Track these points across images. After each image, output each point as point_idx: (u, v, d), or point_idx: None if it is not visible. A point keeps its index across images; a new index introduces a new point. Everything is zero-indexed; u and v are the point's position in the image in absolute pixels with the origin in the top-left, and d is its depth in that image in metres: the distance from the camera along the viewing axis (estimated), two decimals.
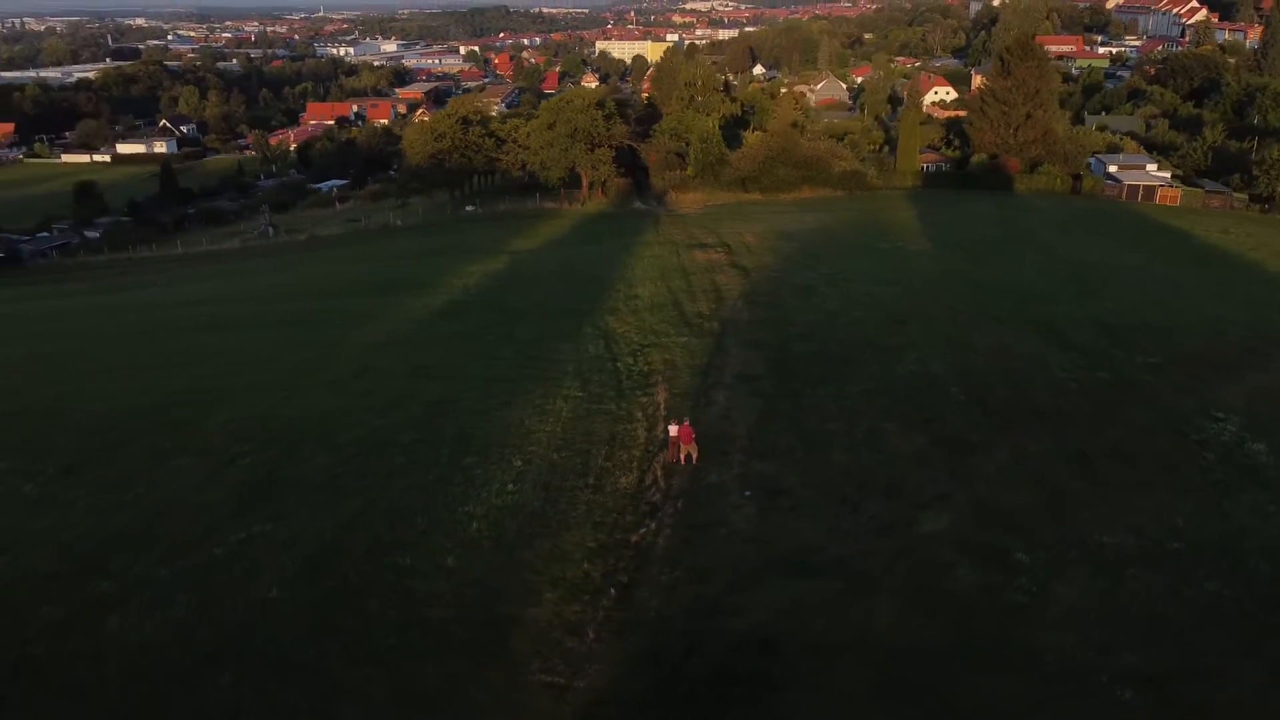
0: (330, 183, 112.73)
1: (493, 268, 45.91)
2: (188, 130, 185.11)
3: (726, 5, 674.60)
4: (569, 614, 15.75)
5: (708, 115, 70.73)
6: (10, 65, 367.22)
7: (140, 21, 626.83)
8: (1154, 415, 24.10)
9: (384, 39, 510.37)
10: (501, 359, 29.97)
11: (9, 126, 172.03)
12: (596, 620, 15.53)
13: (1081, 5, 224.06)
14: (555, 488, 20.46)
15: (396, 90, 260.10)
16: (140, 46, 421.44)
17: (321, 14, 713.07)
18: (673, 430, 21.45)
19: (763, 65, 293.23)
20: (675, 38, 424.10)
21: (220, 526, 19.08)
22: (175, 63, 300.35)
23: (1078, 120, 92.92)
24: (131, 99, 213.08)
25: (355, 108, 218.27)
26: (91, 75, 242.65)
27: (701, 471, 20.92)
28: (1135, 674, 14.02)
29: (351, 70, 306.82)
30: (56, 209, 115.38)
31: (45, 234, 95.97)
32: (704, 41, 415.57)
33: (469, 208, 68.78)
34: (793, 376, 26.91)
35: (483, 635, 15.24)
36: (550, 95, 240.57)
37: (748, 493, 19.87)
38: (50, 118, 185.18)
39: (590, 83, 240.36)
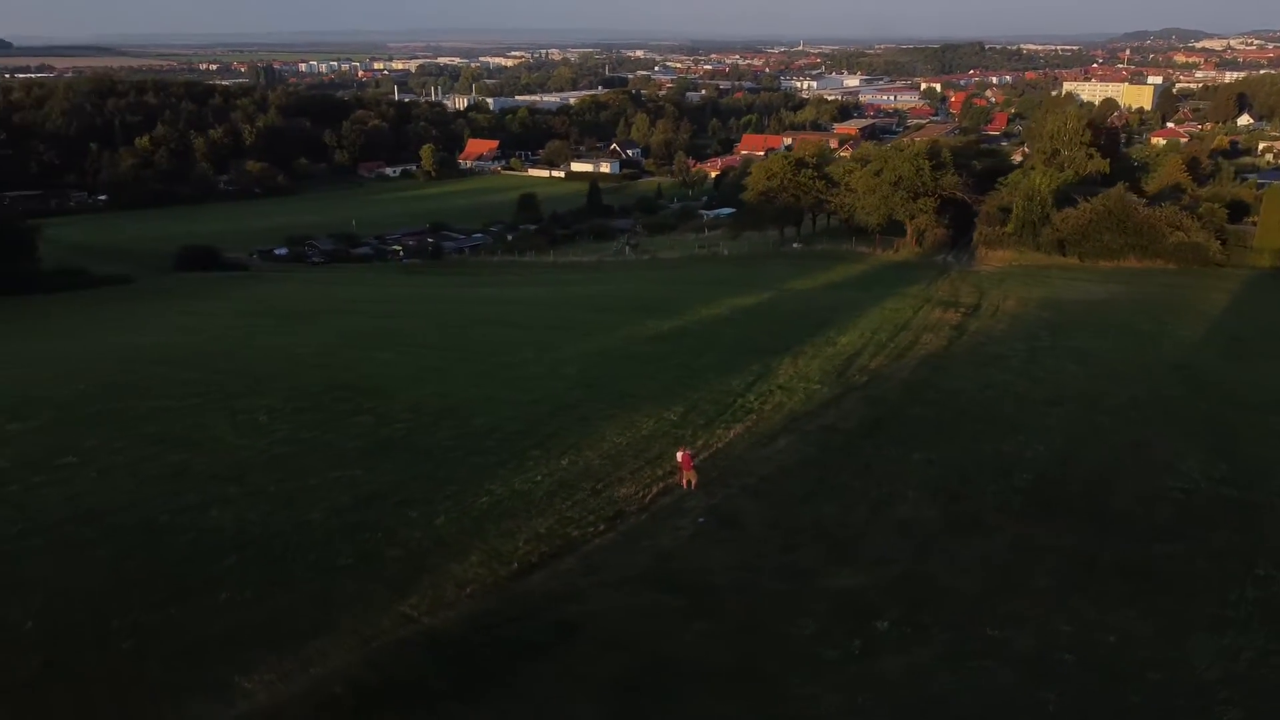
0: (718, 210, 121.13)
1: (746, 302, 49.00)
2: (632, 153, 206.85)
3: (1249, 44, 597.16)
4: (467, 569, 19.26)
5: (1057, 172, 66.94)
6: (526, 90, 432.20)
7: (639, 53, 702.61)
8: None
9: (849, 74, 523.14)
10: (651, 380, 33.44)
11: (494, 143, 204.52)
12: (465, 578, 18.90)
13: None
14: (566, 485, 23.76)
15: (834, 125, 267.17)
16: (628, 76, 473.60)
17: (801, 47, 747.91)
18: (679, 456, 23.74)
19: (1250, 115, 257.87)
20: (1159, 80, 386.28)
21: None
22: (645, 91, 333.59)
23: None
24: (598, 123, 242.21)
25: (788, 141, 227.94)
26: (572, 101, 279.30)
27: (690, 496, 23.00)
28: None
29: (799, 104, 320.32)
30: (502, 214, 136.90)
31: (479, 234, 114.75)
32: (1198, 85, 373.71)
33: (795, 245, 71.85)
34: (875, 435, 27.34)
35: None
36: (995, 137, 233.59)
37: (702, 519, 21.68)
38: (530, 136, 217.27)
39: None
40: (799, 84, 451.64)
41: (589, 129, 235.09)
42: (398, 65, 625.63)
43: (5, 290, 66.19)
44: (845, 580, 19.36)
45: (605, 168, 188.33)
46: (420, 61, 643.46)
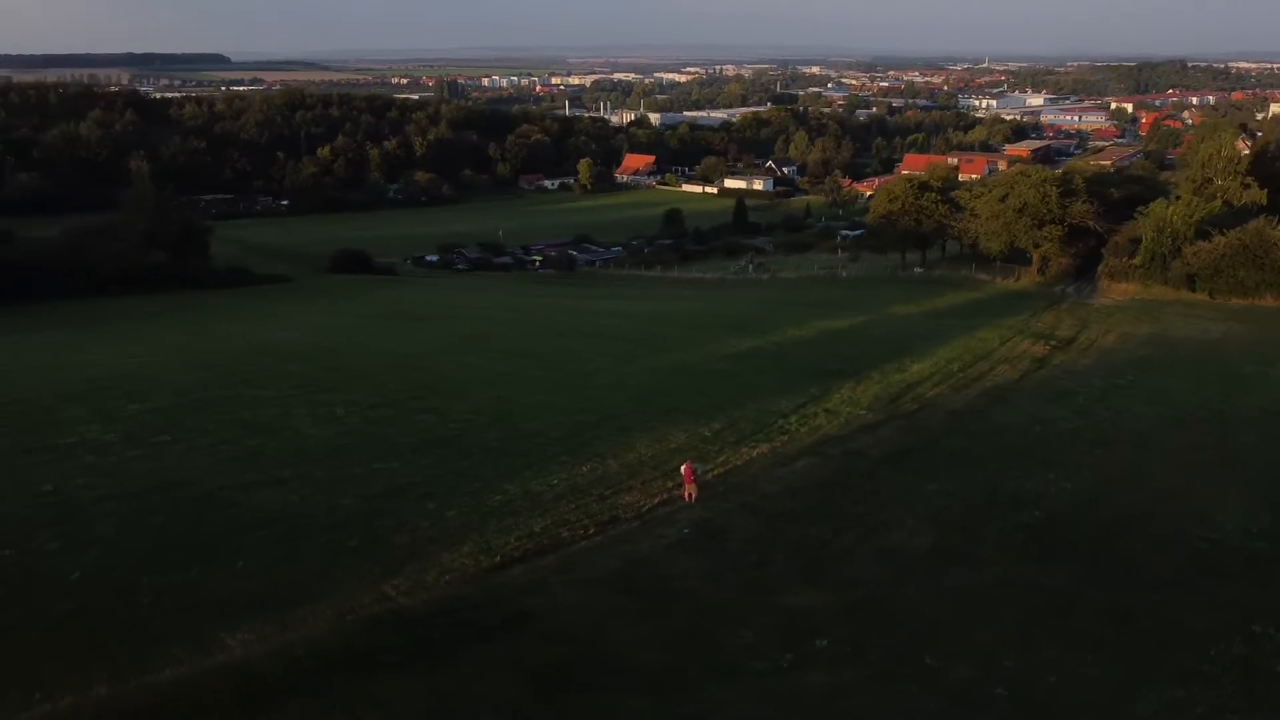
0: (858, 231, 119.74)
1: (836, 325, 49.11)
2: (787, 171, 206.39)
3: None
4: (455, 558, 20.98)
5: (1204, 202, 63.24)
6: (694, 106, 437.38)
7: (815, 69, 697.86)
8: None
9: (1033, 93, 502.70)
10: (703, 396, 34.49)
11: (650, 158, 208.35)
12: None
13: None
14: (577, 490, 25.22)
15: (1005, 146, 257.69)
16: (798, 93, 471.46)
17: (985, 64, 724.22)
18: (682, 469, 24.80)
19: None
20: None
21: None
22: (810, 108, 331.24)
23: None
24: (758, 140, 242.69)
25: (952, 161, 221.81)
26: (735, 117, 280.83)
27: (687, 508, 24.02)
28: None
29: (972, 123, 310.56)
30: (648, 228, 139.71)
31: (618, 247, 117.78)
32: None
33: (917, 270, 70.83)
34: (899, 462, 27.48)
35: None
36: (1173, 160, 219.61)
37: (686, 530, 22.65)
38: (688, 152, 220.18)
39: (1243, 149, 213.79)
40: (977, 102, 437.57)
41: (748, 146, 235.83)
42: (574, 80, 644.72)
43: (180, 285, 73.46)
44: (803, 599, 19.94)
45: (758, 185, 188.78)
46: (596, 77, 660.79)
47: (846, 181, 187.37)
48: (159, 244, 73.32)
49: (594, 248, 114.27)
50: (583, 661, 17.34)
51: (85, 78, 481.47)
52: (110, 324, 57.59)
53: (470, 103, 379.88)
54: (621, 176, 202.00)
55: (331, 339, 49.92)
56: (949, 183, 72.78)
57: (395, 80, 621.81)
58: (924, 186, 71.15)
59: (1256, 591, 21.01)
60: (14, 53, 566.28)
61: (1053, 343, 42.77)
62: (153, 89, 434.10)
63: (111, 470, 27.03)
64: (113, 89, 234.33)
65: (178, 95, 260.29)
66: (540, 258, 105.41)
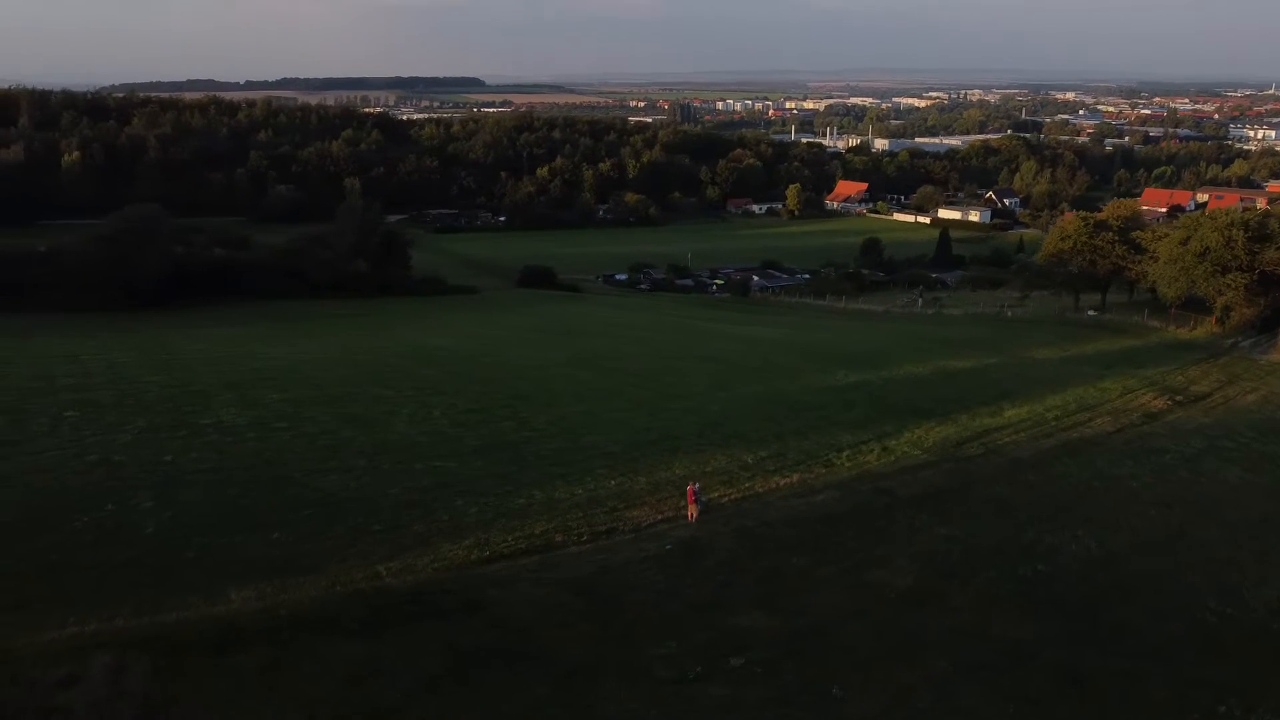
0: None
1: (958, 365, 48.03)
2: (1009, 203, 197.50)
3: None
4: (453, 550, 23.42)
5: None
6: (928, 132, 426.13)
7: (1069, 95, 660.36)
8: None
9: None
10: (772, 425, 35.40)
11: (863, 185, 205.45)
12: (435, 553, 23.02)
13: None
14: (595, 501, 27.11)
15: (1268, 183, 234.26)
16: (1044, 121, 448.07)
17: (1271, 91, 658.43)
18: (688, 490, 26.12)
19: None
20: None
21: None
22: (1049, 137, 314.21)
23: None
24: (983, 169, 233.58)
25: (1202, 197, 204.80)
26: (961, 145, 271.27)
27: (685, 525, 25.36)
28: None
29: (1235, 156, 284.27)
30: (846, 256, 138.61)
31: (806, 274, 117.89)
32: None
33: (1090, 312, 67.22)
34: (923, 504, 27.40)
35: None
36: None
37: (669, 546, 23.99)
38: (904, 180, 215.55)
39: None
40: (1251, 132, 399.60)
41: (971, 175, 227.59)
42: (808, 105, 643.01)
43: (379, 291, 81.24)
44: (748, 620, 20.85)
45: (974, 216, 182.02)
46: (832, 101, 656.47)
47: (1069, 215, 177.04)
48: (363, 254, 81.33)
49: (778, 274, 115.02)
50: (510, 648, 19.22)
51: (358, 99, 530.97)
52: (303, 323, 64.87)
53: (699, 126, 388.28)
54: (832, 203, 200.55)
55: (475, 347, 54.22)
56: (1130, 222, 68.32)
57: (633, 103, 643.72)
58: (1100, 225, 67.20)
59: (1241, 671, 19.93)
60: (300, 76, 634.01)
61: (1178, 397, 40.15)
62: (412, 110, 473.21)
63: (223, 448, 31.58)
64: (370, 110, 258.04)
65: (421, 116, 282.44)
66: (723, 280, 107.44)
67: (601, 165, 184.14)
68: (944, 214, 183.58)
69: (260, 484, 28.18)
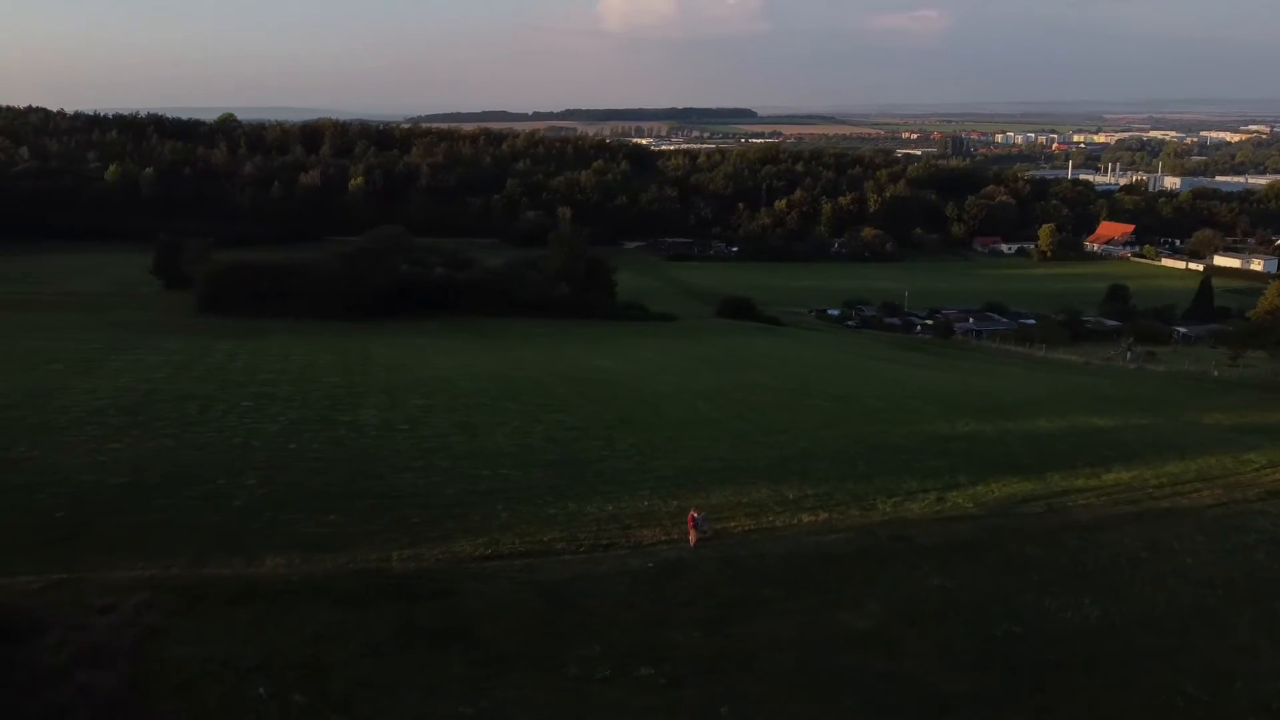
0: None
1: (1098, 423, 45.22)
2: None
3: None
4: (461, 546, 26.46)
5: None
6: (1235, 170, 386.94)
7: None
8: None
9: None
10: (841, 466, 35.89)
11: (1128, 227, 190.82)
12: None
13: None
14: (616, 518, 29.25)
15: None
16: None
17: None
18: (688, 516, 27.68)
19: None
20: None
21: None
22: None
23: None
24: None
25: None
26: (1264, 185, 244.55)
27: (680, 548, 26.97)
28: None
29: None
30: (1089, 303, 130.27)
31: (1030, 319, 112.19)
32: None
33: None
34: (931, 556, 27.29)
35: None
36: None
37: (651, 565, 25.70)
38: (1181, 223, 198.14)
39: None
40: None
41: (1267, 219, 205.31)
42: (1099, 138, 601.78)
43: (579, 314, 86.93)
44: (684, 637, 22.12)
45: (1257, 265, 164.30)
46: (1127, 135, 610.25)
47: None
48: (567, 278, 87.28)
49: (997, 318, 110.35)
50: (453, 631, 21.82)
51: (632, 129, 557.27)
52: (493, 338, 71.16)
53: (967, 159, 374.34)
54: (1091, 245, 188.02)
55: (630, 371, 57.50)
56: None
57: (905, 135, 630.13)
58: None
59: None
60: (583, 107, 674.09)
61: None
62: (681, 140, 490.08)
63: (341, 442, 36.61)
64: (640, 140, 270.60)
65: (687, 146, 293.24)
66: (931, 321, 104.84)
67: (841, 199, 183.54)
68: (1220, 261, 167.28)
69: (348, 474, 32.61)
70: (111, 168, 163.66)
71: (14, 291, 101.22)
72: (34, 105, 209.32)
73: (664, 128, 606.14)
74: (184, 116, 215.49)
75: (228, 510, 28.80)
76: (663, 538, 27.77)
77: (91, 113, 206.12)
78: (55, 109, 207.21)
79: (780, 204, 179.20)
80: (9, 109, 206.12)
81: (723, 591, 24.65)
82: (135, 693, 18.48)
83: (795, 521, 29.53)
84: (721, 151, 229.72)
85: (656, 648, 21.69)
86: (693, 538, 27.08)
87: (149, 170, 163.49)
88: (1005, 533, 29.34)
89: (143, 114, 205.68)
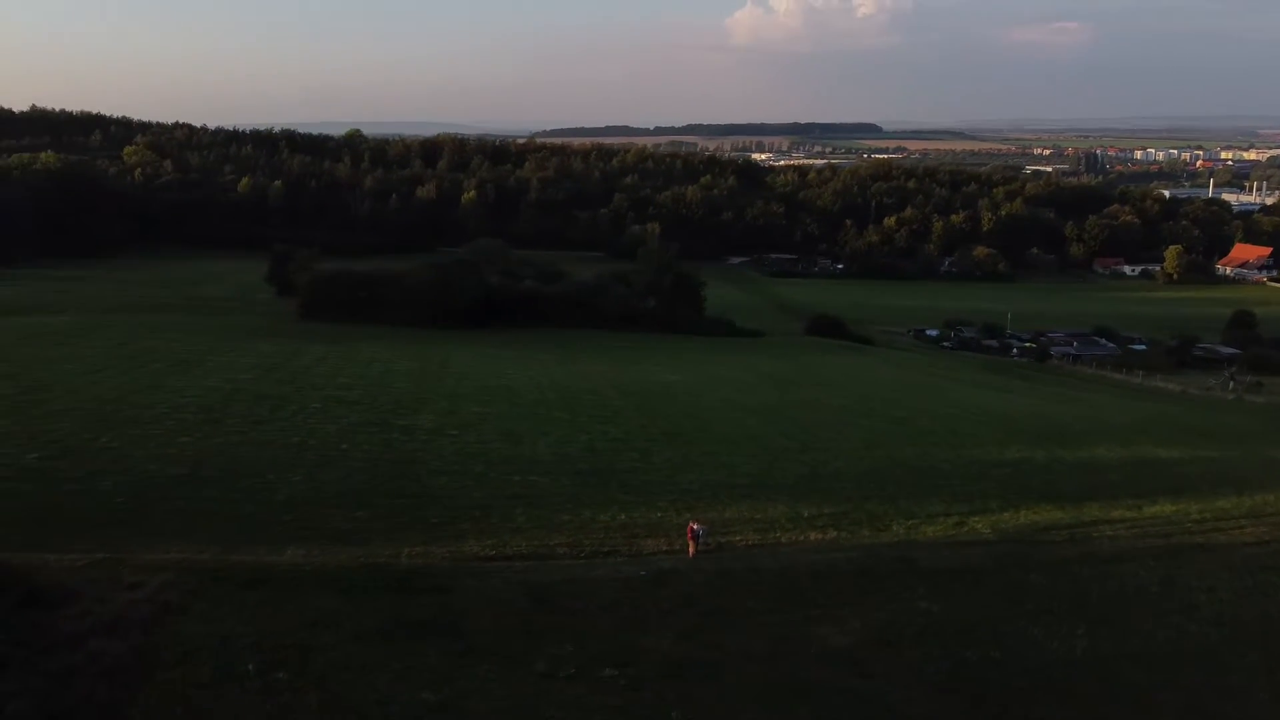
0: None
1: (1163, 454, 43.54)
2: None
3: None
4: (469, 546, 27.88)
5: None
6: None
7: None
8: None
9: None
10: (870, 486, 35.91)
11: (1266, 250, 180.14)
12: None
13: None
14: (624, 528, 30.19)
15: None
16: None
17: None
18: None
19: None
20: None
21: None
22: None
23: None
24: None
25: None
26: None
27: (678, 558, 27.74)
28: None
29: None
30: (1211, 329, 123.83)
31: (1142, 345, 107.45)
32: None
33: None
34: (929, 579, 27.24)
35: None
36: None
37: (643, 573, 26.54)
38: None
39: None
40: None
41: None
42: (1249, 155, 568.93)
43: (665, 328, 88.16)
44: (659, 644, 22.78)
45: None
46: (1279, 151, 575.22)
47: None
48: (655, 293, 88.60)
49: (1104, 342, 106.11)
50: (437, 625, 23.08)
51: (753, 144, 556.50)
52: (569, 348, 73.01)
53: (1099, 177, 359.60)
54: (1224, 268, 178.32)
55: (693, 385, 58.32)
56: None
57: (1038, 151, 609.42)
58: None
59: None
60: (704, 122, 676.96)
61: None
62: (803, 155, 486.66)
63: (392, 444, 38.72)
64: (760, 155, 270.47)
65: (807, 162, 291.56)
66: (1031, 344, 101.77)
67: (954, 217, 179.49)
68: None
69: (387, 475, 34.57)
70: (244, 180, 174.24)
71: (147, 296, 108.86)
72: (180, 121, 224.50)
73: (785, 142, 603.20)
74: (314, 132, 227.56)
75: (269, 503, 31.00)
76: (664, 548, 28.55)
77: (231, 128, 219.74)
78: (199, 125, 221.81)
79: (890, 221, 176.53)
80: (157, 125, 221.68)
81: (706, 601, 25.27)
82: (141, 662, 20.42)
83: (801, 538, 29.88)
84: (833, 167, 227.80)
85: (627, 651, 22.50)
86: (691, 549, 27.77)
87: (277, 183, 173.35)
88: (1012, 560, 29.00)
89: (277, 129, 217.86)
